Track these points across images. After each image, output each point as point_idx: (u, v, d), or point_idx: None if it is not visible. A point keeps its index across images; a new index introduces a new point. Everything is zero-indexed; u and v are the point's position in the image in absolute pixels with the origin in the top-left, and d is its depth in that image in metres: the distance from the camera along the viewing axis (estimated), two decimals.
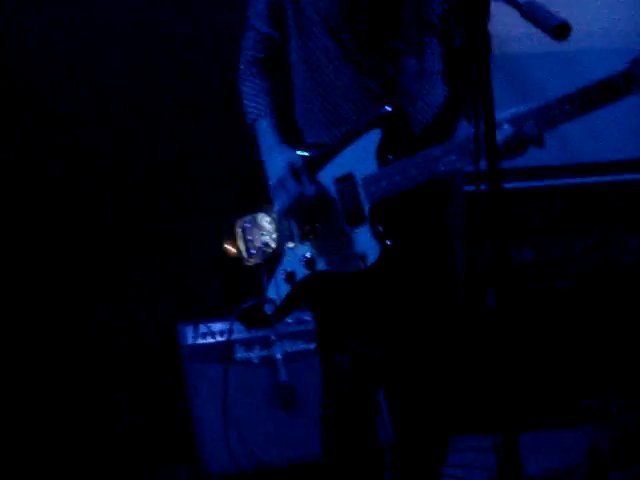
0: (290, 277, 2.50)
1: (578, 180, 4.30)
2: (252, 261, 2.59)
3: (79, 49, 3.80)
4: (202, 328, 3.63)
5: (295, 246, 2.50)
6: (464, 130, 2.37)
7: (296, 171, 2.42)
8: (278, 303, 2.53)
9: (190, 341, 3.62)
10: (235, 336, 3.56)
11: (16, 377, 3.74)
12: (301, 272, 2.49)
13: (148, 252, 3.88)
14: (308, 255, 2.47)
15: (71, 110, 3.81)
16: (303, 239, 2.48)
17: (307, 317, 3.45)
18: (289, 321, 3.58)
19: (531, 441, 2.94)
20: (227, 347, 3.52)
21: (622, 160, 4.33)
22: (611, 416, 3.95)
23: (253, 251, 2.58)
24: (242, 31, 2.61)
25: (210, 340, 3.62)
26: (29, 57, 3.78)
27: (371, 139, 2.38)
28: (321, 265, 2.46)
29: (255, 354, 3.62)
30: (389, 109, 2.37)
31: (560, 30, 1.55)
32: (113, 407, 3.82)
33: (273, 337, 3.62)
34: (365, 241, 2.38)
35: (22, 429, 3.70)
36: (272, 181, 2.46)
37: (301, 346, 3.63)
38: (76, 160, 3.84)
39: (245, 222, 2.60)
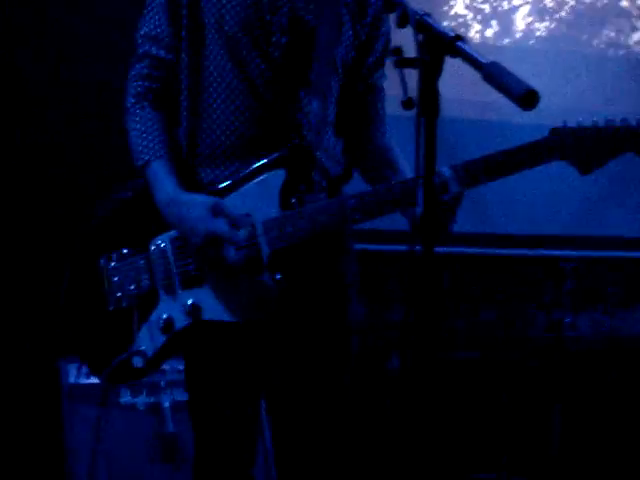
0: (167, 326, 2.26)
1: (490, 250, 4.25)
2: (117, 306, 2.31)
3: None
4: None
5: (175, 291, 2.27)
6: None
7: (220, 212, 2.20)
8: (150, 354, 2.28)
9: (72, 380, 3.38)
10: None
11: None
12: (181, 320, 2.26)
13: (29, 280, 3.62)
14: (191, 302, 2.24)
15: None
16: (186, 285, 2.26)
17: None
18: (180, 368, 3.38)
19: None
20: (103, 394, 3.32)
21: (535, 235, 4.32)
22: None
23: (119, 294, 2.31)
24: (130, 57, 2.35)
25: (94, 380, 3.37)
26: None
27: (274, 179, 2.22)
28: (208, 314, 2.25)
29: (141, 400, 3.41)
30: (294, 148, 2.23)
31: (528, 98, 1.43)
32: None
33: (162, 384, 3.41)
34: (261, 289, 2.21)
35: None
36: (185, 225, 2.21)
37: None
38: None
39: (111, 261, 2.33)
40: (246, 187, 2.23)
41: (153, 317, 2.27)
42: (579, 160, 2.15)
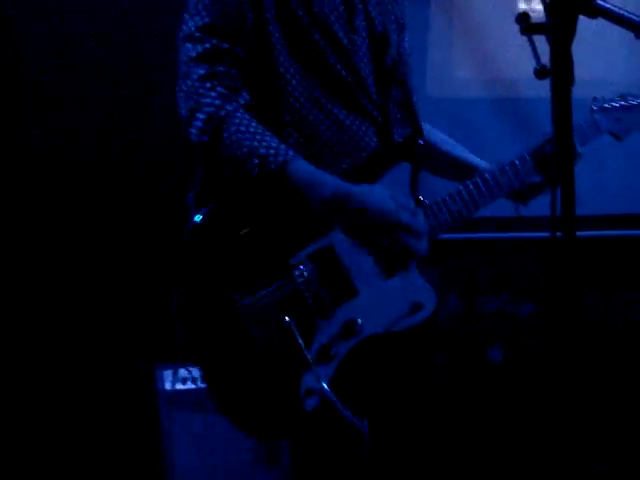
0: (333, 354, 1.99)
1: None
2: (269, 346, 1.98)
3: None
4: (182, 372, 3.34)
5: (329, 313, 2.01)
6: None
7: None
8: (326, 390, 1.94)
9: (169, 386, 3.34)
10: None
11: None
12: (345, 343, 2.00)
13: (127, 285, 3.58)
14: (349, 318, 2.01)
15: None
16: (339, 300, 2.02)
17: None
18: None
19: None
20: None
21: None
22: None
23: (268, 331, 1.97)
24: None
25: (191, 386, 3.33)
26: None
27: (401, 173, 2.10)
28: (370, 328, 2.01)
29: None
30: (408, 141, 2.14)
31: None
32: (83, 453, 3.53)
33: None
34: (417, 288, 2.08)
35: None
36: (375, 214, 1.99)
37: None
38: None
39: (246, 294, 1.98)
40: (379, 182, 2.06)
41: (314, 347, 1.99)
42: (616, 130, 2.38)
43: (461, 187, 2.17)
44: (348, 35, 2.08)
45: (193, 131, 1.99)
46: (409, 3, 2.34)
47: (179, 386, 3.34)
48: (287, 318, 1.96)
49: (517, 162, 2.22)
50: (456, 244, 3.88)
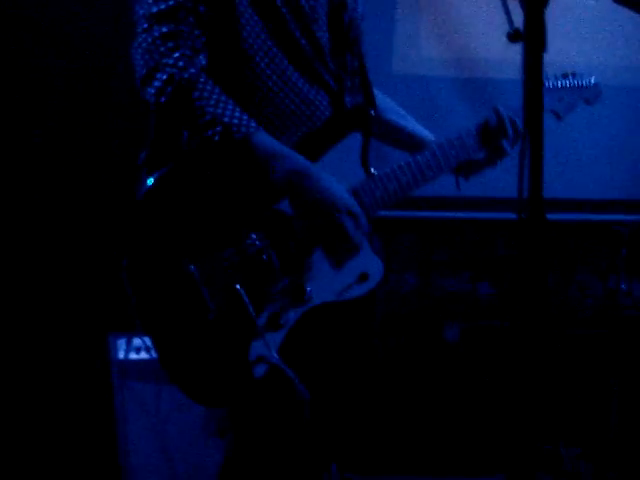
0: (279, 323, 2.01)
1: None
2: (218, 313, 1.97)
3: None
4: (136, 341, 3.30)
5: (279, 283, 2.03)
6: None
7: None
8: (274, 360, 1.96)
9: (122, 355, 3.29)
10: None
11: None
12: (293, 312, 2.03)
13: (80, 251, 3.54)
14: (299, 288, 2.03)
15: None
16: (288, 271, 2.03)
17: None
18: None
19: None
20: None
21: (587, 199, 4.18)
22: (561, 463, 3.78)
23: (218, 298, 1.97)
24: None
25: (144, 356, 3.29)
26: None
27: (353, 144, 2.11)
28: (318, 297, 2.04)
29: None
30: (358, 110, 2.14)
31: None
32: (33, 424, 3.48)
33: None
34: (365, 259, 2.10)
35: None
36: (330, 197, 2.02)
37: None
38: None
39: (197, 262, 1.97)
40: (327, 155, 2.09)
41: (265, 315, 2.00)
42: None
43: (410, 159, 2.19)
44: (309, 2, 2.06)
45: (151, 90, 1.96)
46: None
47: (132, 355, 3.30)
48: (238, 286, 1.97)
49: (464, 136, 2.25)
50: (414, 222, 3.90)
